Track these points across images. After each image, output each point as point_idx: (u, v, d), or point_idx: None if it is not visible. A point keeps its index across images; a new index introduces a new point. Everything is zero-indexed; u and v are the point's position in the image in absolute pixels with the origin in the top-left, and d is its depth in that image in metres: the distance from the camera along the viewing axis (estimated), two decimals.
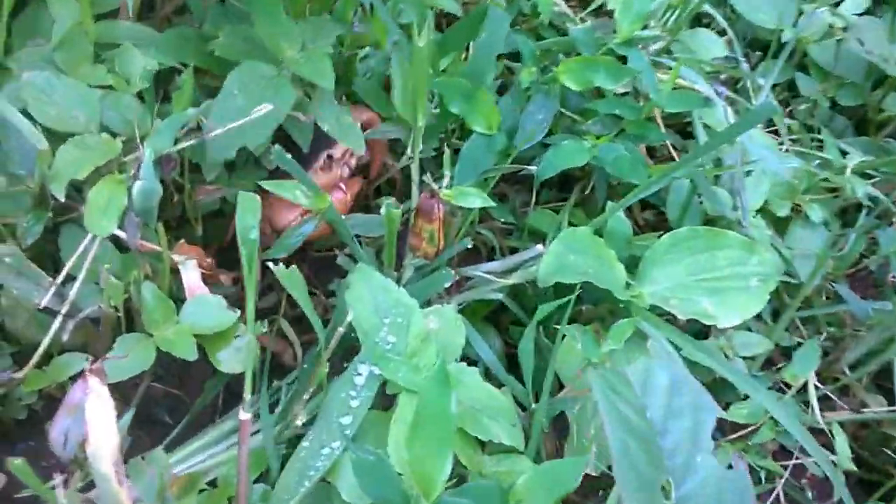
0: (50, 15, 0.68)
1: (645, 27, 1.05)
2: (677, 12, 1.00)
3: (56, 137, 0.61)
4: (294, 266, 0.62)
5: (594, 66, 0.84)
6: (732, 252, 0.80)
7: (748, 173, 0.92)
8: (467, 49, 1.05)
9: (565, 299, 0.69)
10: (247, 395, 0.53)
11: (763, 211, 0.94)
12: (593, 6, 1.10)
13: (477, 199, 0.72)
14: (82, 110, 0.62)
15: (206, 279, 0.69)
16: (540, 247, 0.82)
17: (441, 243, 0.73)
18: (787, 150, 1.01)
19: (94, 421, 0.49)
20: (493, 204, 0.74)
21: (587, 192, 0.97)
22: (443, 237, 0.73)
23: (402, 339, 0.64)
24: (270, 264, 0.61)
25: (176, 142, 0.62)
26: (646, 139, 0.92)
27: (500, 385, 0.70)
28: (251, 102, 0.64)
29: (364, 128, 0.79)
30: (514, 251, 0.93)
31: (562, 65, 0.85)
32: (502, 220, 0.90)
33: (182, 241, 0.70)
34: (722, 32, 1.11)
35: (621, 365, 0.67)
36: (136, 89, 0.65)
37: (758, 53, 1.18)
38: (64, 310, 0.62)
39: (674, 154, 0.99)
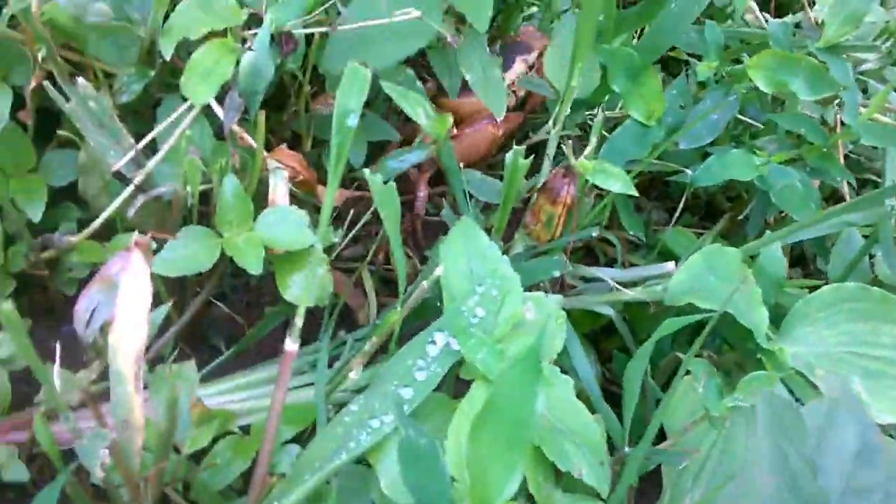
0: None
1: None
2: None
3: None
4: (392, 183, 0.52)
5: (793, 66, 0.71)
6: None
7: None
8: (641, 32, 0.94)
9: (695, 317, 0.56)
10: (299, 321, 0.44)
11: None
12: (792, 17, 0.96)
13: (618, 183, 0.60)
14: None
15: (301, 192, 0.61)
16: (671, 265, 0.70)
17: (558, 230, 0.62)
18: None
19: (126, 303, 0.41)
20: (635, 192, 0.62)
21: (736, 222, 0.84)
22: (562, 224, 0.62)
23: (492, 317, 0.54)
24: (367, 173, 0.51)
25: (305, 27, 0.53)
26: (824, 174, 0.78)
27: (592, 412, 0.58)
28: (396, 4, 0.55)
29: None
30: None
31: (755, 58, 0.72)
32: (632, 232, 0.78)
33: (283, 145, 0.62)
34: None
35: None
36: None
37: None
38: (137, 180, 0.55)
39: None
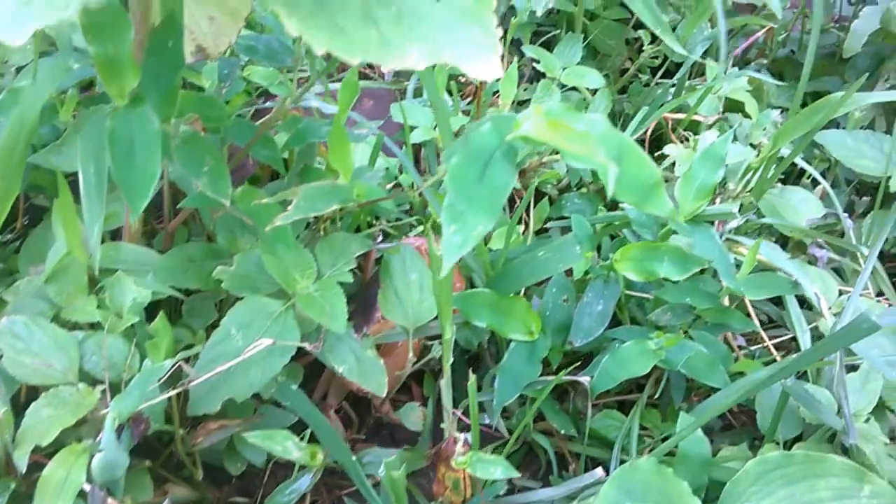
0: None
1: (724, 184, 0.94)
2: (761, 171, 0.88)
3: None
4: None
5: (656, 254, 0.73)
6: (838, 481, 0.66)
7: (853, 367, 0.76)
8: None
9: None
10: None
11: (878, 410, 0.77)
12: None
13: (498, 469, 0.60)
14: (60, 358, 0.56)
15: None
16: (599, 471, 0.70)
17: (468, 491, 0.62)
18: None
19: None
20: (516, 474, 0.61)
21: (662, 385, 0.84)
22: (470, 485, 0.61)
23: None
24: None
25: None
26: (728, 327, 0.78)
27: None
28: (249, 338, 0.57)
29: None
30: (578, 455, 0.81)
31: (619, 252, 0.74)
32: (562, 431, 0.78)
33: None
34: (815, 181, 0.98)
35: None
36: (126, 325, 0.59)
37: (864, 199, 1.03)
38: None
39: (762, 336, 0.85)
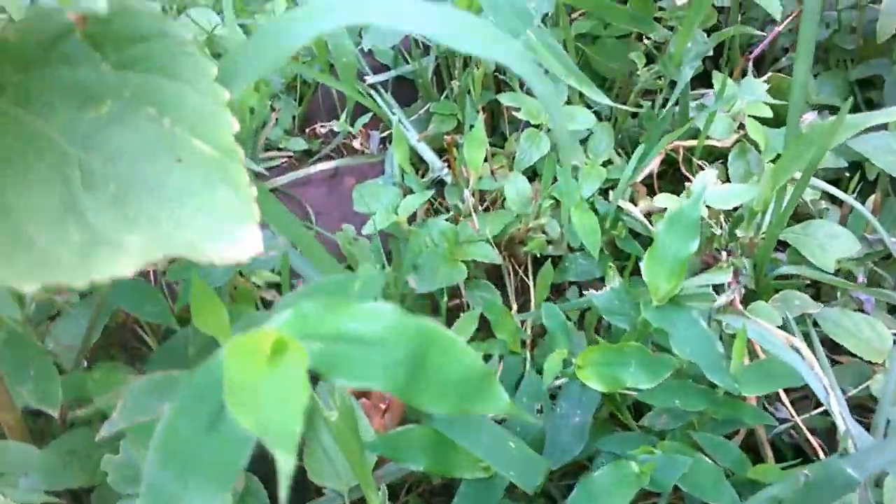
0: None
1: (733, 233, 0.79)
2: (771, 210, 0.72)
3: None
4: None
5: (621, 357, 0.61)
6: None
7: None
8: None
9: None
10: None
11: None
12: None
13: None
14: None
15: None
16: None
17: None
18: None
19: None
20: None
21: None
22: None
23: None
24: None
25: None
26: (739, 422, 0.65)
27: None
28: None
29: None
30: None
31: (580, 357, 0.62)
32: None
33: None
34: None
35: None
36: None
37: None
38: None
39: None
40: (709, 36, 0.91)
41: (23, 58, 0.38)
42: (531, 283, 0.89)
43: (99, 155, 0.36)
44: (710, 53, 0.93)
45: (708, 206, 0.75)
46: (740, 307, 0.72)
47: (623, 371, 0.60)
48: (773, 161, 0.85)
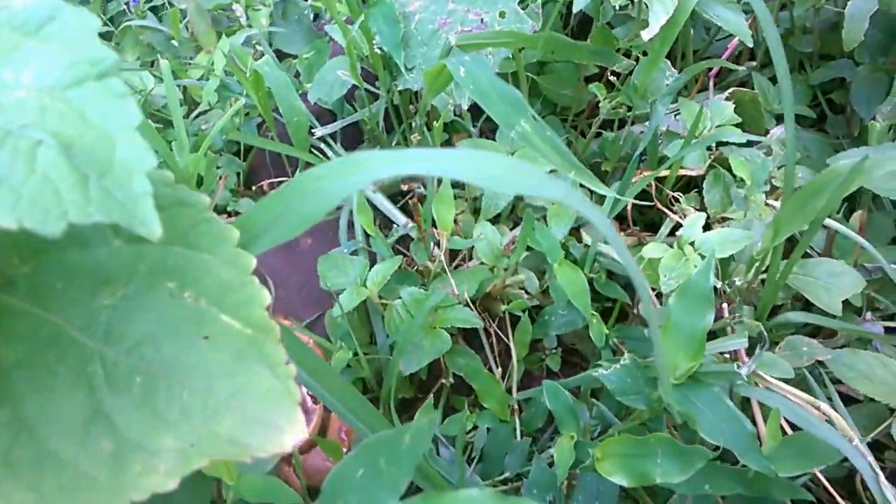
0: None
1: (729, 280, 0.75)
2: (769, 263, 0.68)
3: None
4: None
5: (646, 448, 0.55)
6: None
7: None
8: None
9: None
10: None
11: None
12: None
13: None
14: None
15: None
16: None
17: None
18: None
19: None
20: None
21: None
22: None
23: None
24: None
25: None
26: (770, 500, 0.60)
27: None
28: None
29: None
30: None
31: (599, 449, 0.57)
32: None
33: None
34: None
35: None
36: None
37: None
38: None
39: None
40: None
41: (30, 243, 0.33)
42: (509, 337, 0.84)
43: (121, 346, 0.31)
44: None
45: (701, 255, 0.70)
46: (746, 359, 0.68)
47: (650, 463, 0.55)
48: (752, 187, 0.81)
